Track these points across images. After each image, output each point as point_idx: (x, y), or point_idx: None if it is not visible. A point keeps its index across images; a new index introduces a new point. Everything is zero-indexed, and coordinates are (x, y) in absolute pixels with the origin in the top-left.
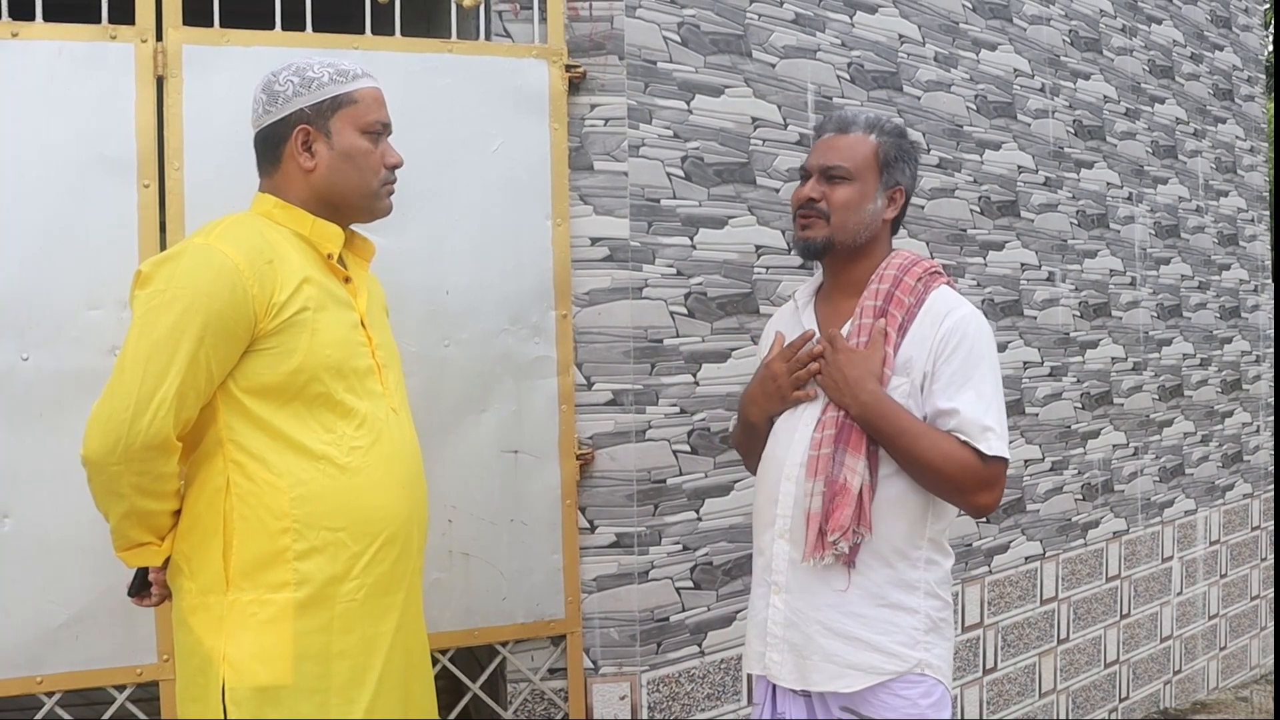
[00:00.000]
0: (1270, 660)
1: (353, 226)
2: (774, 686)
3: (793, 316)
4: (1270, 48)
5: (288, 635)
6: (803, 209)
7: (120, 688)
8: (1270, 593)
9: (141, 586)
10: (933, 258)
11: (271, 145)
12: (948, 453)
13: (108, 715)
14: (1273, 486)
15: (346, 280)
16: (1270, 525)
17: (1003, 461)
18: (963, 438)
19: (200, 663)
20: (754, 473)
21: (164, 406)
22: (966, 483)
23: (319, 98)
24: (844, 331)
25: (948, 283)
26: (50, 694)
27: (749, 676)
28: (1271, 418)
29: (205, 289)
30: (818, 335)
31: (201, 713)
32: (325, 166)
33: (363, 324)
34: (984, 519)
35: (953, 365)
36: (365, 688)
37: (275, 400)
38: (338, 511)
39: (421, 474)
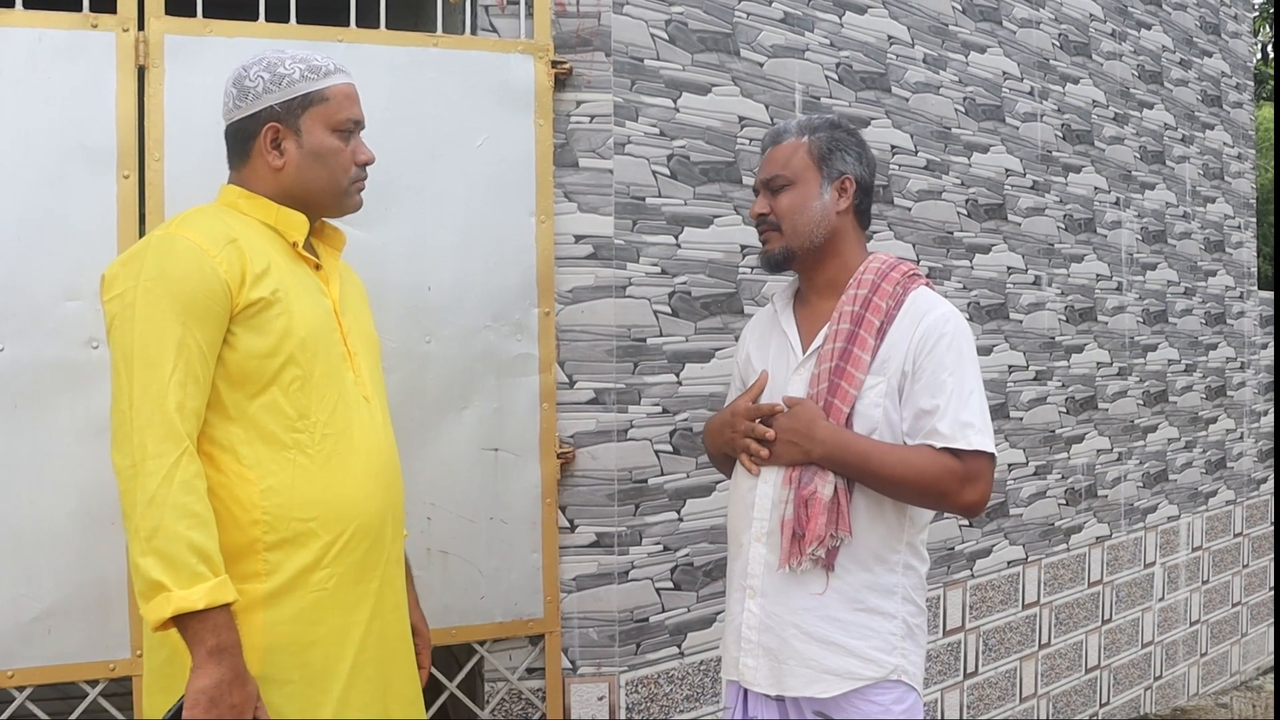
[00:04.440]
0: (1251, 667)
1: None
2: (745, 690)
3: (771, 320)
4: (1259, 55)
5: (257, 626)
6: (758, 225)
7: (93, 683)
8: (1252, 599)
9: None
10: (919, 260)
11: (241, 140)
12: (920, 465)
13: (80, 710)
14: (1260, 492)
15: (317, 268)
16: (1252, 532)
17: (986, 456)
18: (940, 444)
19: (169, 653)
20: (729, 477)
21: (165, 398)
22: (947, 486)
23: (289, 95)
24: (820, 335)
25: (926, 284)
26: (21, 688)
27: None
28: (1255, 424)
29: (175, 275)
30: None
31: (168, 704)
32: (294, 165)
33: (335, 311)
34: (968, 522)
35: (932, 363)
36: (337, 678)
37: (250, 388)
38: (308, 502)
39: (395, 462)
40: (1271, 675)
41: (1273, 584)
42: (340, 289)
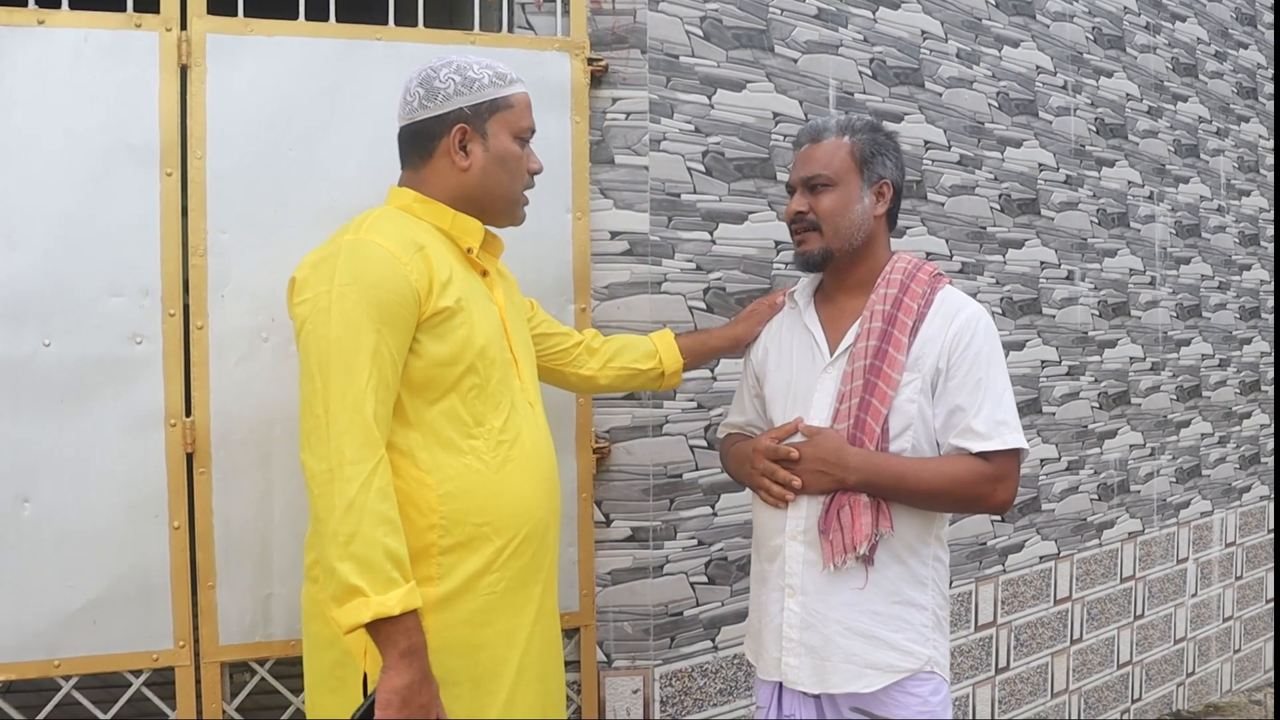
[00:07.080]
0: None
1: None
2: (779, 686)
3: (790, 317)
4: None
5: (428, 629)
6: (794, 223)
7: (137, 673)
8: None
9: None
10: (951, 255)
11: (424, 140)
12: (953, 474)
13: (123, 700)
14: (1274, 487)
15: (484, 274)
16: None
17: (1014, 453)
18: (977, 444)
19: (339, 655)
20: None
21: (363, 405)
22: (980, 490)
23: (479, 99)
24: (851, 333)
25: (949, 283)
26: (67, 678)
27: None
28: None
29: (369, 281)
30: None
31: (340, 702)
32: (479, 168)
33: (502, 318)
34: (1000, 518)
35: (966, 361)
36: (503, 680)
37: (430, 394)
38: (484, 507)
39: (556, 467)
40: None
41: (1273, 589)
42: (504, 296)
